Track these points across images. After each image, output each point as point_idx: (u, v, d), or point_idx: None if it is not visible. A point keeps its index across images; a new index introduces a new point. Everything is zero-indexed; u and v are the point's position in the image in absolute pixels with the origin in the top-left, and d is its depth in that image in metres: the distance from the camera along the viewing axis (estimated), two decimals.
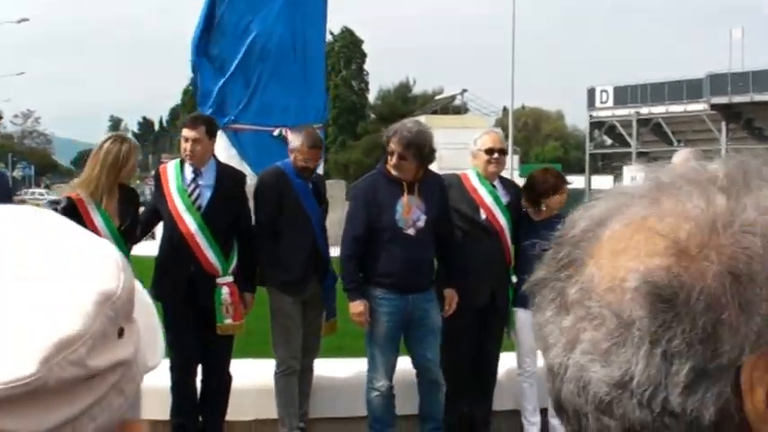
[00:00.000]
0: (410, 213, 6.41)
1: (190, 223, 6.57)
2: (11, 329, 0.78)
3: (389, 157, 6.50)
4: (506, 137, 46.36)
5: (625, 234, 0.76)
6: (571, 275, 0.78)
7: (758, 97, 56.54)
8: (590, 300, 0.76)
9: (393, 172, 6.50)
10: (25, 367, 0.77)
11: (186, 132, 6.68)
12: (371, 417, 6.59)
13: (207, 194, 6.68)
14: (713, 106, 58.87)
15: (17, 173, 76.75)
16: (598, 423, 0.75)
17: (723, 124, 59.79)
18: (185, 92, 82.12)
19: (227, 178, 6.87)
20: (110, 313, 0.83)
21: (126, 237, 6.35)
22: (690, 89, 60.64)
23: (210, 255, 6.58)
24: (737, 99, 57.67)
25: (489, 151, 7.08)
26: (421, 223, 6.46)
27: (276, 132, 13.32)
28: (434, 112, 62.24)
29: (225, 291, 6.57)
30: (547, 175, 7.46)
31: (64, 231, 0.89)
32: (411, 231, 6.43)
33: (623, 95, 65.32)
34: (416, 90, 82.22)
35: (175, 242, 6.57)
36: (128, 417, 0.88)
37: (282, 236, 6.73)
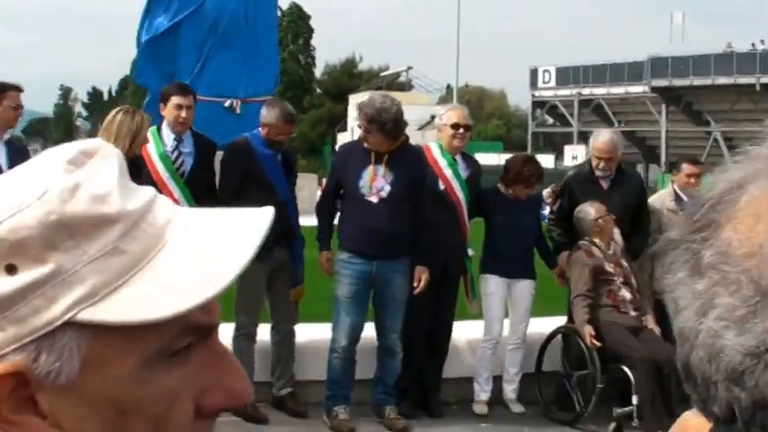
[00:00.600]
0: (375, 182, 6.71)
1: (174, 190, 6.71)
2: None
3: (360, 130, 6.90)
4: None
5: (765, 200, 0.74)
6: (707, 238, 0.77)
7: (698, 81, 57.30)
8: (726, 264, 0.74)
9: (365, 144, 6.85)
10: None
11: (181, 100, 6.88)
12: (329, 378, 6.82)
13: (189, 162, 6.89)
14: (654, 89, 59.51)
15: None
16: (728, 393, 0.73)
17: (663, 107, 60.49)
18: (134, 63, 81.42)
19: (204, 146, 7.08)
20: None
21: None
22: (631, 71, 61.21)
23: None
24: (678, 82, 58.36)
25: (455, 126, 7.33)
26: (384, 193, 6.72)
27: (227, 104, 13.44)
28: (379, 88, 62.26)
29: None
30: (524, 168, 7.75)
31: None
32: (374, 199, 6.70)
33: (566, 76, 65.82)
34: (362, 66, 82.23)
35: None
36: None
37: (249, 204, 6.94)
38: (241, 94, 13.02)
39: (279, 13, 14.71)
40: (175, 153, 6.89)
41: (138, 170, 6.53)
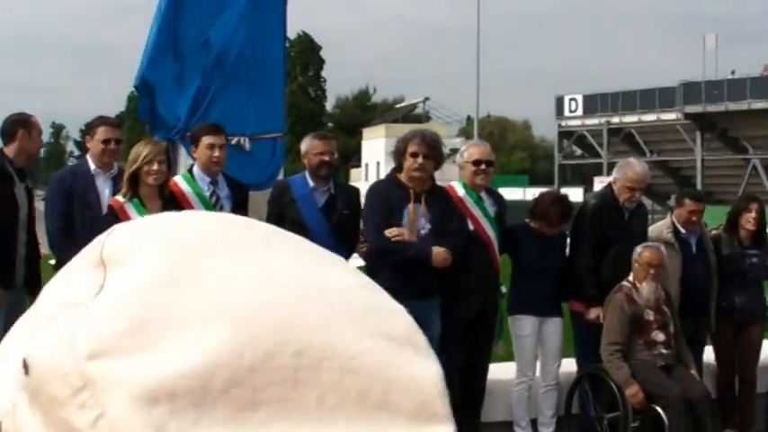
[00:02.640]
0: (415, 221, 6.89)
1: None
2: None
3: (410, 161, 6.98)
4: None
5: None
6: None
7: (733, 106, 57.16)
8: None
9: (413, 174, 6.99)
10: None
11: (213, 139, 7.13)
12: None
13: (228, 205, 7.08)
14: (687, 115, 59.40)
15: None
16: None
17: (697, 134, 60.33)
18: (130, 99, 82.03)
19: (238, 189, 7.30)
20: None
21: None
22: (662, 98, 61.15)
23: None
24: (711, 108, 58.23)
25: (476, 163, 7.42)
26: (425, 231, 6.91)
27: (234, 141, 13.58)
28: (395, 121, 62.84)
29: None
30: (551, 207, 7.83)
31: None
32: (414, 238, 6.90)
33: (593, 104, 65.71)
34: (376, 98, 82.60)
35: None
36: None
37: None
38: (249, 131, 13.18)
39: (287, 44, 14.87)
40: (213, 197, 7.05)
41: (172, 206, 6.65)
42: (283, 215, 7.14)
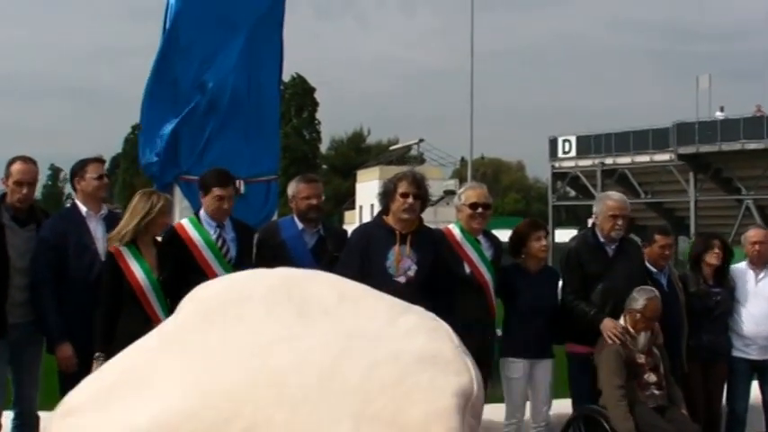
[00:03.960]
0: (401, 262, 6.91)
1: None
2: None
3: (400, 201, 7.04)
4: None
5: None
6: None
7: (726, 146, 57.26)
8: None
9: (403, 216, 7.04)
10: None
11: (223, 192, 7.21)
12: None
13: (233, 248, 7.20)
14: (680, 156, 59.57)
15: None
16: None
17: (691, 175, 60.52)
18: (126, 140, 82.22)
19: (245, 231, 7.43)
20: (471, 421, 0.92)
21: (165, 289, 6.77)
22: (656, 138, 61.23)
23: None
24: (705, 149, 58.37)
25: (473, 206, 7.52)
26: (411, 273, 6.93)
27: None
28: (390, 163, 62.91)
29: None
30: (523, 224, 8.08)
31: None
32: (402, 279, 6.89)
33: (587, 145, 65.78)
34: (371, 140, 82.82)
35: None
36: None
37: None
38: (244, 174, 13.24)
39: (281, 86, 14.99)
40: (220, 240, 7.16)
41: (167, 253, 6.98)
42: (274, 257, 7.22)
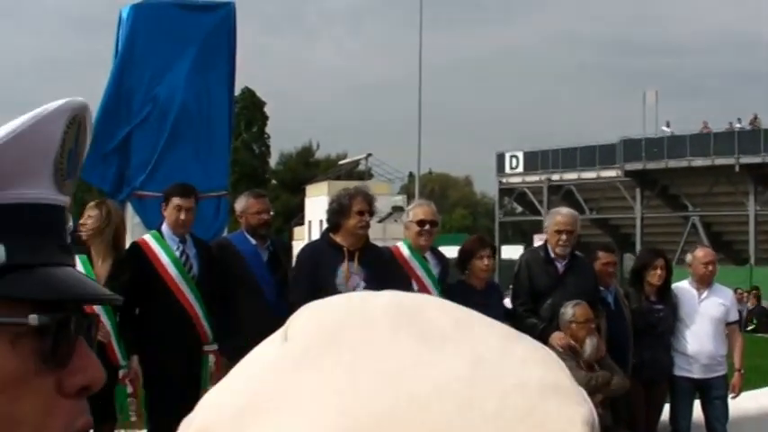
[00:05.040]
0: (350, 279, 7.01)
1: (188, 294, 7.06)
2: None
3: (356, 218, 7.13)
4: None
5: None
6: None
7: (673, 163, 57.86)
8: None
9: (359, 232, 7.15)
10: None
11: (182, 202, 7.26)
12: None
13: (196, 264, 7.25)
14: (627, 173, 59.94)
15: None
16: None
17: (638, 191, 60.90)
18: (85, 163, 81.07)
19: (204, 247, 7.48)
20: None
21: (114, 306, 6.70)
22: (603, 155, 61.68)
23: (205, 323, 7.10)
24: (652, 165, 58.94)
25: (421, 223, 7.57)
26: (360, 289, 7.01)
27: None
28: (338, 178, 62.89)
29: (211, 358, 7.09)
30: (470, 240, 8.17)
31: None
32: None
33: (534, 161, 66.08)
34: (319, 155, 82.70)
35: (176, 314, 7.01)
36: None
37: (236, 307, 7.25)
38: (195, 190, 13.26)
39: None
40: (183, 256, 7.23)
41: (122, 268, 6.99)
42: (231, 273, 7.32)
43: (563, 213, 8.29)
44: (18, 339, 0.95)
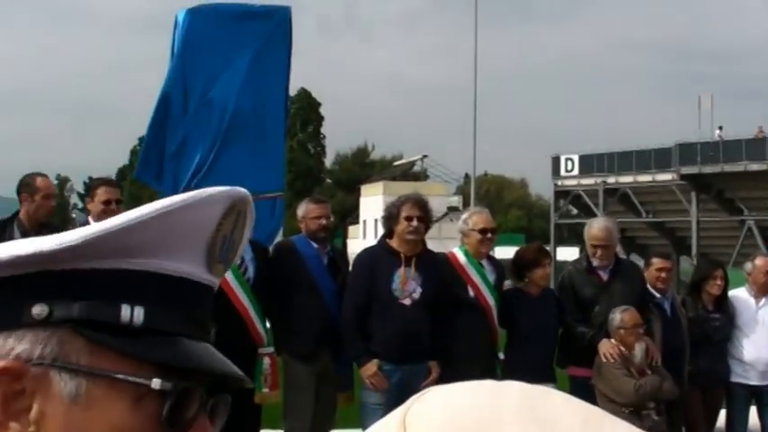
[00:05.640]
0: (406, 284, 7.03)
1: (243, 298, 7.01)
2: None
3: (404, 224, 7.16)
4: (467, 204, 46.89)
5: None
6: None
7: (729, 168, 57.24)
8: None
9: (408, 237, 7.16)
10: None
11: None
12: None
13: (252, 268, 7.22)
14: (683, 176, 59.48)
15: None
16: None
17: (693, 195, 60.38)
18: (133, 152, 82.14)
19: (261, 251, 7.43)
20: None
21: None
22: (658, 158, 61.19)
23: (260, 327, 7.03)
24: (707, 169, 58.32)
25: (483, 231, 7.59)
26: (416, 295, 7.05)
27: None
28: (393, 179, 62.94)
29: (266, 361, 7.01)
30: (529, 249, 8.14)
31: None
32: (407, 302, 7.01)
33: (589, 164, 65.77)
34: (375, 155, 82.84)
35: (230, 317, 6.79)
36: None
37: (295, 308, 7.24)
38: (249, 190, 13.27)
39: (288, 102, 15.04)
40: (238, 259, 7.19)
41: None
42: (292, 274, 7.32)
43: (597, 227, 8.16)
44: (140, 400, 0.99)
